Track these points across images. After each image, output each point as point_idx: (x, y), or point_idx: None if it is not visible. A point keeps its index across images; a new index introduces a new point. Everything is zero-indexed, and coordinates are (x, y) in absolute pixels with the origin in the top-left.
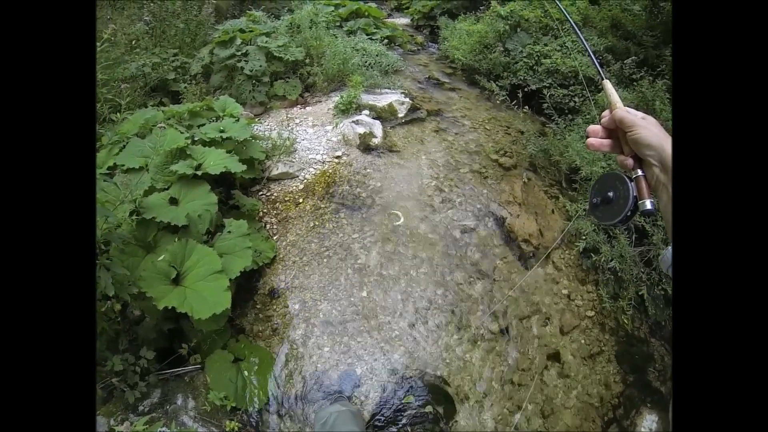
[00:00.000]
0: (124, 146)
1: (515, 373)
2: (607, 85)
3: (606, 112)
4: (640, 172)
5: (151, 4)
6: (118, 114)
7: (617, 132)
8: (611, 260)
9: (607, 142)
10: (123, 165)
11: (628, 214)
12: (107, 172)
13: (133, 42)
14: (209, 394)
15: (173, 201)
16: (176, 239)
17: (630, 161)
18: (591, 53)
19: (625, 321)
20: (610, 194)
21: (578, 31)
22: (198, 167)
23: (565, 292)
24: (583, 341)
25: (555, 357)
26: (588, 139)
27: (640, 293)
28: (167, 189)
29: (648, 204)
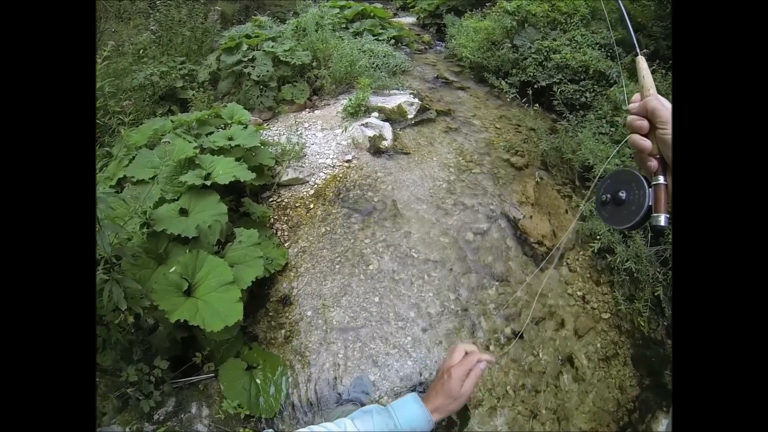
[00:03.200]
0: (134, 158)
1: (529, 378)
2: (642, 63)
3: (636, 97)
4: (662, 180)
5: (157, 14)
6: (123, 128)
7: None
8: (626, 261)
9: (649, 143)
10: (133, 177)
11: (637, 222)
12: (113, 191)
13: (141, 52)
14: (223, 402)
15: (183, 212)
16: (187, 250)
17: (654, 163)
18: (627, 20)
19: (641, 323)
20: (622, 195)
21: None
22: (207, 177)
23: (579, 294)
24: (598, 344)
25: (570, 360)
26: (632, 136)
27: (656, 294)
28: (177, 200)
29: (662, 220)
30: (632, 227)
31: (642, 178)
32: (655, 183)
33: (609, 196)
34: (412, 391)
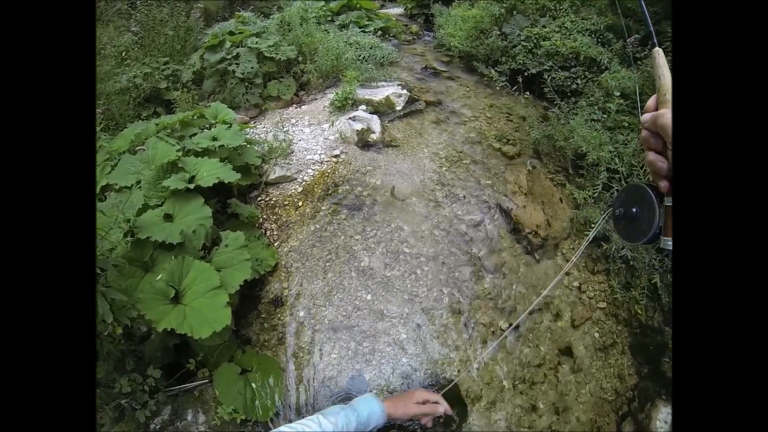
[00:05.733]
0: (116, 164)
1: (527, 371)
2: (659, 57)
3: (652, 101)
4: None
5: (138, 14)
6: (104, 134)
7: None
8: (622, 248)
9: (666, 165)
10: (116, 184)
11: (649, 239)
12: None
13: (123, 54)
14: (219, 408)
15: (168, 217)
16: (172, 257)
17: (666, 184)
18: (645, 8)
19: (639, 311)
20: (634, 211)
21: None
22: (191, 180)
23: (575, 283)
24: (595, 334)
25: (567, 351)
26: (647, 155)
27: (653, 281)
28: (161, 205)
29: (670, 244)
30: (645, 243)
31: (654, 198)
32: (666, 204)
33: (622, 210)
34: (408, 388)
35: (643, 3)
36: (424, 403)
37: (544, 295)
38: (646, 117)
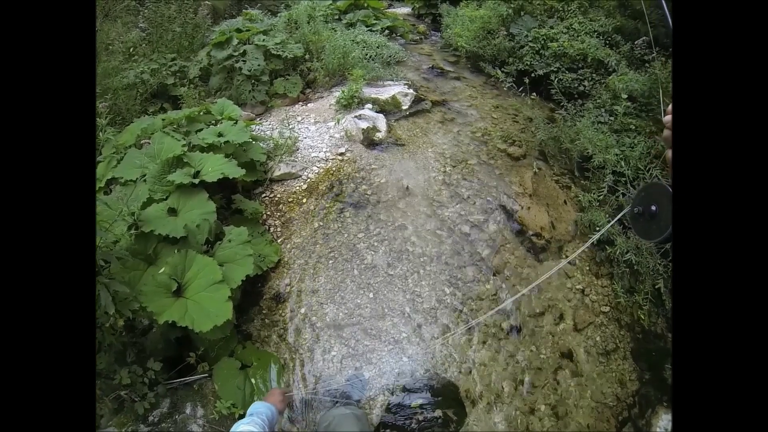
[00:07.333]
0: (122, 158)
1: (527, 373)
2: None
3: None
4: None
5: (146, 11)
6: (107, 129)
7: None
8: (626, 252)
9: None
10: (122, 177)
11: (666, 237)
12: (98, 198)
13: (131, 50)
14: (217, 402)
15: (172, 211)
16: (176, 251)
17: None
18: (668, 15)
19: (642, 316)
20: (654, 208)
21: None
22: (196, 175)
23: (579, 287)
24: (597, 338)
25: (568, 355)
26: (668, 152)
27: (656, 286)
28: (166, 199)
29: None
30: (662, 241)
31: (672, 193)
32: None
33: (641, 208)
34: (405, 386)
35: (666, 9)
36: (284, 397)
37: (541, 285)
38: (668, 118)
